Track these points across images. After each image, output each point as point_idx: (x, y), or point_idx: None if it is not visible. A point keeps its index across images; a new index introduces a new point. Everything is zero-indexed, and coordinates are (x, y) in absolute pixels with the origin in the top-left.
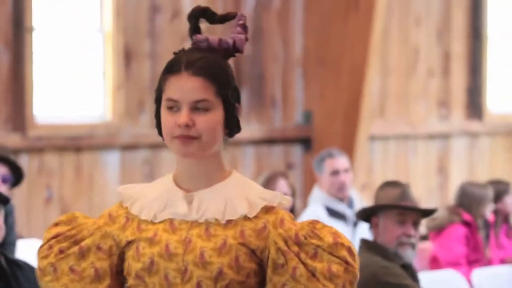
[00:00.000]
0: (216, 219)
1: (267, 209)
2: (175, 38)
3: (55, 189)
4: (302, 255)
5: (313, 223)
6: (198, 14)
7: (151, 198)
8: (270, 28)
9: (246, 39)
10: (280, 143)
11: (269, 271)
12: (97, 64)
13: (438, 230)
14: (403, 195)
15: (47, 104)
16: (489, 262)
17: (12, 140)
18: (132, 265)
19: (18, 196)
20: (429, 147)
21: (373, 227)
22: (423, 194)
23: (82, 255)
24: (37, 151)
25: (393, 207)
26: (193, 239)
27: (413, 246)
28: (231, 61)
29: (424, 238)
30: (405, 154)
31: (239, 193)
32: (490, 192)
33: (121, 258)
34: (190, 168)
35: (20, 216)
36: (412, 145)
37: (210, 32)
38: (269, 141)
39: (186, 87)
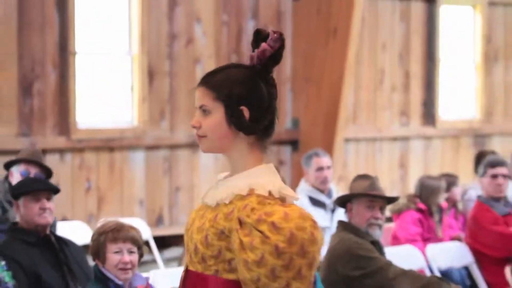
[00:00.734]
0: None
1: (242, 197)
2: (189, 60)
3: (93, 181)
4: (240, 232)
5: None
6: (261, 36)
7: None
8: None
9: (269, 47)
10: (273, 144)
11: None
12: (126, 81)
13: (398, 214)
14: (372, 185)
15: (87, 112)
16: (441, 240)
17: (58, 142)
18: None
19: (64, 187)
20: (393, 148)
21: (348, 211)
22: (388, 185)
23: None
24: (79, 151)
25: (364, 195)
26: (196, 219)
27: (380, 226)
28: None
29: (388, 220)
30: (373, 153)
31: (241, 183)
32: (443, 184)
33: None
34: (227, 160)
35: (65, 203)
36: (379, 146)
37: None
38: None
39: (196, 96)
